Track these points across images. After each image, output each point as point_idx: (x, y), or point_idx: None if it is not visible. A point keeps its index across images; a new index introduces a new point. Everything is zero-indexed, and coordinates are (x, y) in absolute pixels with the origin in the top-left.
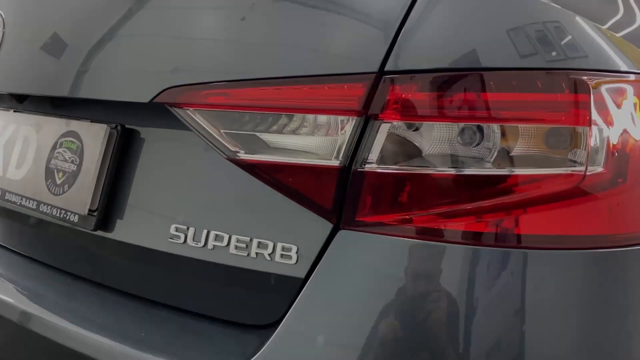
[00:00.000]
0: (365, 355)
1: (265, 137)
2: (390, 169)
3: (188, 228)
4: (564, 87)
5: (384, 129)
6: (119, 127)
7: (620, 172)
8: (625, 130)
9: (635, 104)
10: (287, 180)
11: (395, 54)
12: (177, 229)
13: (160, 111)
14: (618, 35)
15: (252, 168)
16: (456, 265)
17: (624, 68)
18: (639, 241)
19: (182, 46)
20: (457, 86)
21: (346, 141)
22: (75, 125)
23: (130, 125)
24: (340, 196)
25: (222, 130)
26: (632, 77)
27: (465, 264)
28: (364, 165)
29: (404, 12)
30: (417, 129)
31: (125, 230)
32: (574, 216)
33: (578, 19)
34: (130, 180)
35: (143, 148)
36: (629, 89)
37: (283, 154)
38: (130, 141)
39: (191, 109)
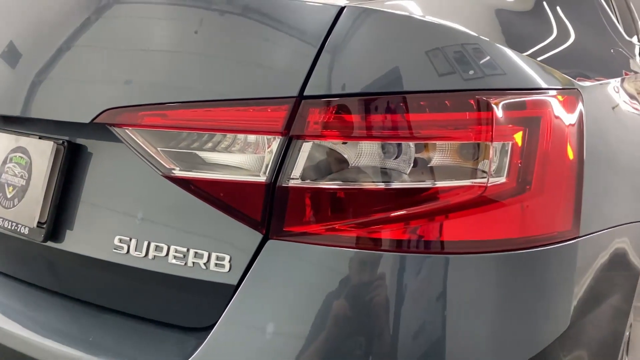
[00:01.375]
0: (292, 356)
1: (199, 154)
2: (312, 183)
3: (130, 239)
4: (468, 107)
5: (305, 148)
6: (65, 143)
7: (525, 180)
8: (528, 143)
9: (536, 119)
10: (219, 194)
11: (313, 79)
12: (120, 240)
13: (103, 129)
14: (524, 54)
15: (186, 184)
16: (375, 270)
17: (524, 86)
18: (546, 242)
19: (120, 70)
20: (370, 108)
21: (272, 159)
22: (24, 141)
23: (77, 141)
24: (268, 209)
25: (158, 148)
26: (533, 94)
27: (382, 269)
28: (289, 180)
29: (320, 42)
30: (337, 146)
31: (74, 242)
32: (484, 222)
33: (482, 41)
34: (77, 193)
35: (89, 163)
36: (531, 105)
37: (215, 171)
38: (76, 156)
39: (129, 128)
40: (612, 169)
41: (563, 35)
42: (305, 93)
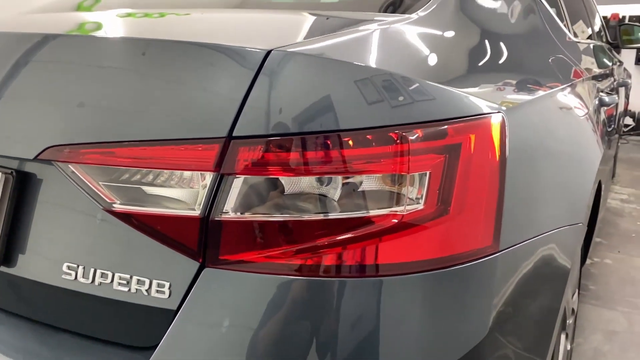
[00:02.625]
0: None
1: (138, 190)
2: (243, 216)
3: (78, 266)
4: (385, 141)
5: (236, 183)
6: (13, 173)
7: (444, 205)
8: (448, 169)
9: (456, 146)
10: (157, 227)
11: (242, 120)
12: (68, 267)
13: (49, 162)
14: (444, 83)
15: (126, 217)
16: (303, 295)
17: (442, 116)
18: (467, 259)
19: (64, 109)
20: (295, 146)
21: (205, 194)
22: None
23: (25, 171)
24: (203, 240)
25: (100, 183)
26: (452, 123)
27: (311, 293)
28: (221, 213)
29: (248, 85)
30: (265, 181)
31: (25, 267)
32: (404, 246)
33: (398, 77)
34: (27, 221)
35: (37, 192)
36: (450, 133)
37: (153, 204)
38: (25, 185)
39: (72, 164)
40: (537, 183)
41: (492, 55)
42: (234, 134)
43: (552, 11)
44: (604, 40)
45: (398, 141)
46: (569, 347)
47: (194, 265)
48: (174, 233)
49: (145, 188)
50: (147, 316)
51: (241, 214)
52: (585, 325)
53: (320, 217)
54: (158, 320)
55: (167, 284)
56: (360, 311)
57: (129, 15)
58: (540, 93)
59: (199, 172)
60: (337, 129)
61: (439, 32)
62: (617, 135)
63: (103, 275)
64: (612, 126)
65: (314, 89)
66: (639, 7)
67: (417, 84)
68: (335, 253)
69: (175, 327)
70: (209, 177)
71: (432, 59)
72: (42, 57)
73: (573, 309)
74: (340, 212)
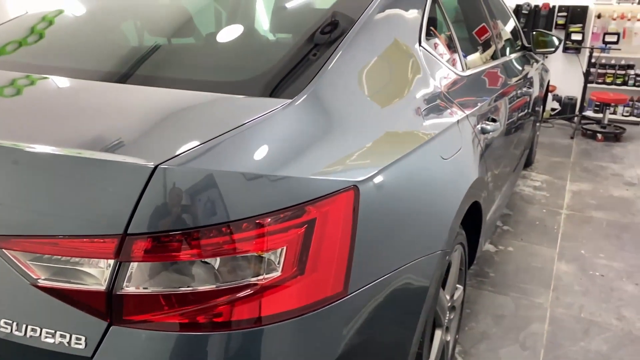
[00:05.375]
0: None
1: (57, 269)
2: (137, 289)
3: (12, 322)
4: (247, 229)
5: (132, 267)
6: None
7: (299, 268)
8: (304, 241)
9: (311, 221)
10: (74, 297)
11: (134, 221)
12: (5, 323)
13: None
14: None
15: (50, 290)
16: (186, 346)
17: (296, 201)
18: (320, 306)
19: None
20: (175, 238)
21: (109, 273)
22: None
23: None
24: (110, 305)
25: (27, 261)
26: (304, 205)
27: (189, 345)
28: (121, 288)
29: (139, 193)
30: (155, 264)
31: None
32: (268, 303)
33: (256, 176)
34: None
35: None
36: (303, 213)
37: (70, 281)
38: None
39: (3, 248)
40: (387, 234)
41: (354, 133)
42: (129, 231)
43: (438, 55)
44: (520, 46)
45: (256, 228)
46: (449, 339)
47: (104, 324)
48: (88, 301)
49: (63, 269)
50: None
51: (136, 288)
52: (479, 310)
53: (202, 288)
54: None
55: (83, 338)
56: (236, 355)
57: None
58: (399, 155)
59: (103, 259)
60: (208, 224)
61: (308, 119)
62: (534, 126)
63: (32, 330)
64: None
65: (190, 194)
66: None
67: (277, 179)
68: (209, 314)
69: None
70: (111, 262)
71: (299, 149)
72: None
73: (454, 306)
74: (214, 284)
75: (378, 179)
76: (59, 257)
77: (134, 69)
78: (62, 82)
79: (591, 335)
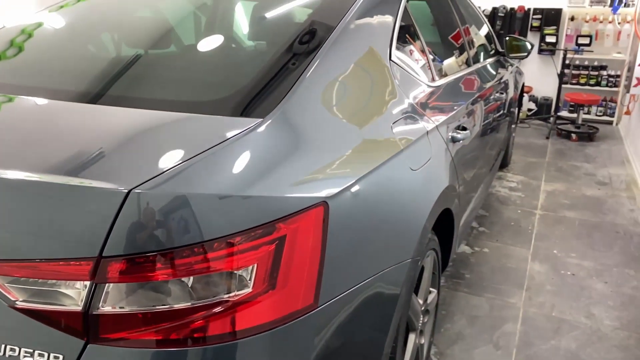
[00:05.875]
0: None
1: (35, 291)
2: (113, 309)
3: None
4: (217, 249)
5: (107, 288)
6: None
7: (270, 284)
8: (274, 258)
9: (281, 238)
10: (52, 316)
11: (108, 245)
12: None
13: None
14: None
15: (28, 311)
16: None
17: (265, 220)
18: (293, 317)
19: None
20: (148, 260)
21: (85, 294)
22: None
23: None
24: (87, 325)
25: (6, 284)
26: (272, 223)
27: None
28: (97, 308)
29: (112, 217)
30: (129, 284)
31: None
32: (242, 318)
33: (225, 196)
34: None
35: None
36: (273, 230)
37: (48, 302)
38: None
39: None
40: (357, 246)
41: (324, 150)
42: (104, 254)
43: (409, 68)
44: (494, 51)
45: (227, 247)
46: (423, 341)
47: (81, 342)
48: (65, 321)
49: (41, 290)
50: None
51: (112, 307)
52: (455, 312)
53: (176, 306)
54: None
55: (61, 356)
56: None
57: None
58: (368, 169)
59: (80, 281)
60: (181, 244)
61: (279, 137)
62: (510, 127)
63: (11, 349)
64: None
65: (163, 216)
66: (542, 0)
67: (248, 198)
68: (184, 330)
69: None
70: (87, 283)
71: (269, 167)
72: None
73: (428, 310)
74: (188, 302)
75: (347, 194)
76: (37, 279)
77: (106, 89)
78: (32, 102)
79: (561, 334)
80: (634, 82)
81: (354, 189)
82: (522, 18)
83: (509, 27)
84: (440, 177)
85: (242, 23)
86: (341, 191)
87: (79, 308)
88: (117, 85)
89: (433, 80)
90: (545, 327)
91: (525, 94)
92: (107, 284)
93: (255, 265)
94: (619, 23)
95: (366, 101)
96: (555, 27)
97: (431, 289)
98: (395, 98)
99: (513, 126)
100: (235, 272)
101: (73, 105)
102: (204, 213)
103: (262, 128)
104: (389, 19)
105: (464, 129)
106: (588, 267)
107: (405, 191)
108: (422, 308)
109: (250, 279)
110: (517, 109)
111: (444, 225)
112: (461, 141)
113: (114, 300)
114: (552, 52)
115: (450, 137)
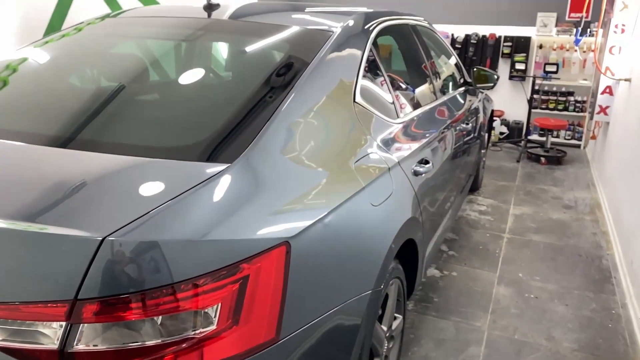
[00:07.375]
0: None
1: (13, 331)
2: (87, 347)
3: None
4: (181, 290)
5: (82, 328)
6: None
7: (234, 320)
8: (238, 296)
9: (244, 278)
10: (30, 354)
11: (83, 288)
12: None
13: None
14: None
15: (6, 350)
16: None
17: (230, 261)
18: (256, 351)
19: None
20: (119, 302)
21: (61, 334)
22: None
23: None
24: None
25: None
26: (238, 264)
27: None
28: (72, 346)
29: (88, 263)
30: (103, 324)
31: None
32: (209, 352)
33: (189, 242)
34: None
35: None
36: (236, 271)
37: (25, 340)
38: None
39: None
40: (318, 282)
41: (288, 192)
42: (79, 297)
43: (372, 107)
44: (462, 81)
45: (193, 288)
46: None
47: None
48: (43, 359)
49: (22, 331)
50: None
51: (86, 345)
52: (422, 335)
53: (147, 343)
54: None
55: None
56: None
57: None
58: (329, 209)
59: (56, 322)
60: (151, 287)
61: (245, 181)
62: (479, 152)
63: None
64: (464, 159)
65: (135, 261)
66: (512, 28)
67: (213, 242)
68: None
69: None
70: (63, 324)
71: (234, 211)
72: None
73: (392, 336)
74: (158, 339)
75: (308, 232)
76: (16, 320)
77: (76, 133)
78: (3, 146)
79: (522, 356)
80: (597, 109)
81: (315, 227)
82: (494, 45)
83: (481, 53)
84: (402, 210)
85: (212, 66)
86: (302, 230)
87: (55, 346)
88: (87, 129)
89: (397, 116)
90: (507, 350)
91: (497, 118)
92: (82, 324)
93: (220, 304)
94: (583, 51)
95: (329, 142)
96: (525, 55)
97: (396, 314)
98: (358, 137)
99: (483, 151)
100: (201, 310)
101: (44, 149)
102: (172, 257)
103: (227, 174)
104: (354, 62)
105: (427, 162)
106: (551, 290)
107: (365, 227)
108: (387, 334)
109: (215, 317)
110: (486, 134)
111: (409, 253)
112: (424, 174)
113: (88, 339)
114: (522, 79)
115: (413, 170)
